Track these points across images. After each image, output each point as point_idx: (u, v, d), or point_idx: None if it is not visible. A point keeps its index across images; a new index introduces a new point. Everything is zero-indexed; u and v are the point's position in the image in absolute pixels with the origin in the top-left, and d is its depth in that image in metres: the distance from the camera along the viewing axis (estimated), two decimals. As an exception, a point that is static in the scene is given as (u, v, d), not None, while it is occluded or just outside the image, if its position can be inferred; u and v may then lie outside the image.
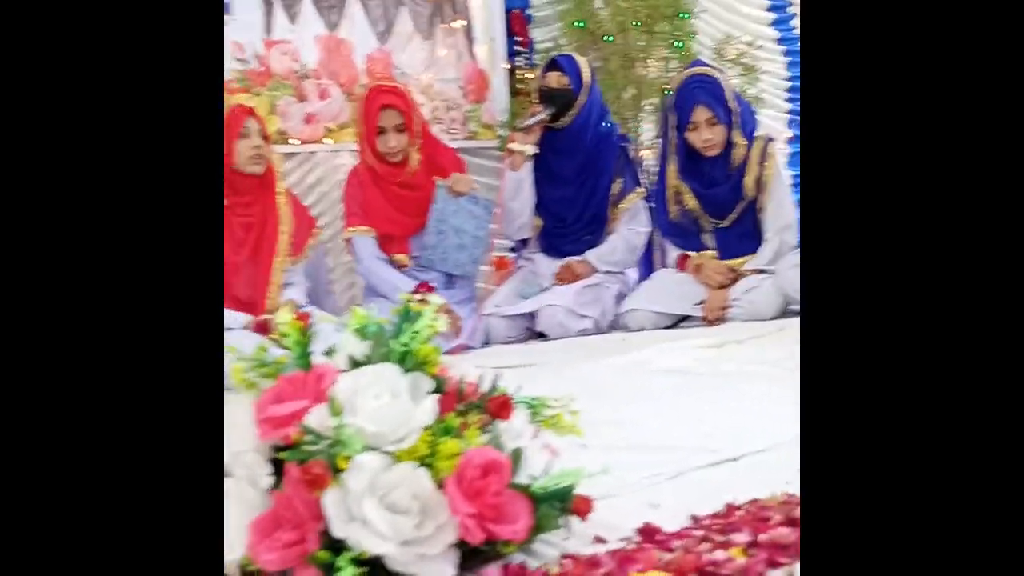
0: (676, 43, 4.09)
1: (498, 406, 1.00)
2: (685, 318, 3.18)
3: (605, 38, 4.17)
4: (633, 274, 3.52)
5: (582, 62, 3.48)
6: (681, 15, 4.10)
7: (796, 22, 5.01)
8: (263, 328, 2.91)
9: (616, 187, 3.43)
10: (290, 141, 3.87)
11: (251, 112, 3.04)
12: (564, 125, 3.40)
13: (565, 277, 3.33)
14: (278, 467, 0.97)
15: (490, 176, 4.01)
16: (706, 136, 3.09)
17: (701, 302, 3.12)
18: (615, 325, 3.28)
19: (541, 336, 3.24)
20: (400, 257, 3.33)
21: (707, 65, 3.28)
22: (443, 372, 1.04)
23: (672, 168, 3.23)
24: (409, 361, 1.01)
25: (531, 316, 3.26)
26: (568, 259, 3.39)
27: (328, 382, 0.97)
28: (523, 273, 3.51)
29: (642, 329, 3.12)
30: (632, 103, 4.25)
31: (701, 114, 3.07)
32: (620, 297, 3.36)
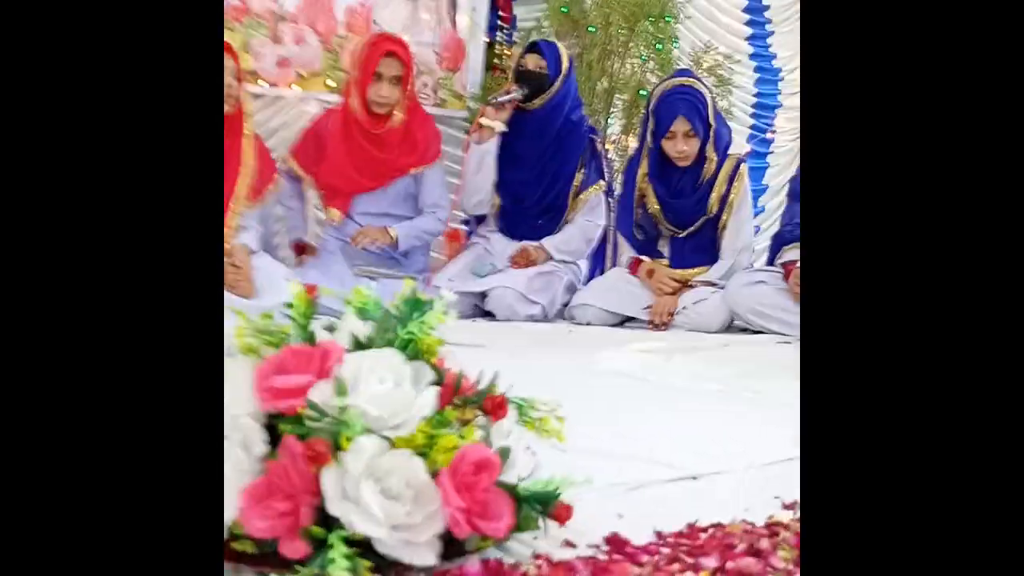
0: (656, 44, 4.14)
1: (495, 405, 1.03)
2: (630, 318, 3.25)
3: (588, 28, 4.21)
4: (584, 266, 3.58)
5: (562, 49, 3.51)
6: (666, 18, 4.15)
7: (772, 40, 5.11)
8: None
9: (579, 177, 3.48)
10: (259, 83, 3.83)
11: (227, 49, 3.00)
12: (534, 108, 3.44)
13: (519, 262, 3.38)
14: (273, 435, 0.99)
15: (454, 145, 4.02)
16: (681, 147, 3.15)
17: (649, 306, 3.20)
18: (562, 315, 3.34)
19: (488, 315, 3.28)
20: (334, 212, 3.34)
21: (694, 77, 3.34)
22: (441, 363, 1.07)
23: (642, 171, 3.29)
24: (412, 349, 1.03)
25: (481, 295, 3.30)
26: (524, 243, 3.44)
27: (333, 360, 1.00)
28: (477, 250, 3.55)
29: (589, 324, 3.19)
30: (604, 96, 4.30)
31: (680, 125, 3.13)
32: (570, 287, 3.42)
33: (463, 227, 3.99)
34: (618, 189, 3.64)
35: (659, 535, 1.10)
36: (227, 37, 3.56)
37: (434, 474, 0.95)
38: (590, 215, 3.50)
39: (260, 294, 2.83)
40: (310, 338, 1.05)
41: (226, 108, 2.96)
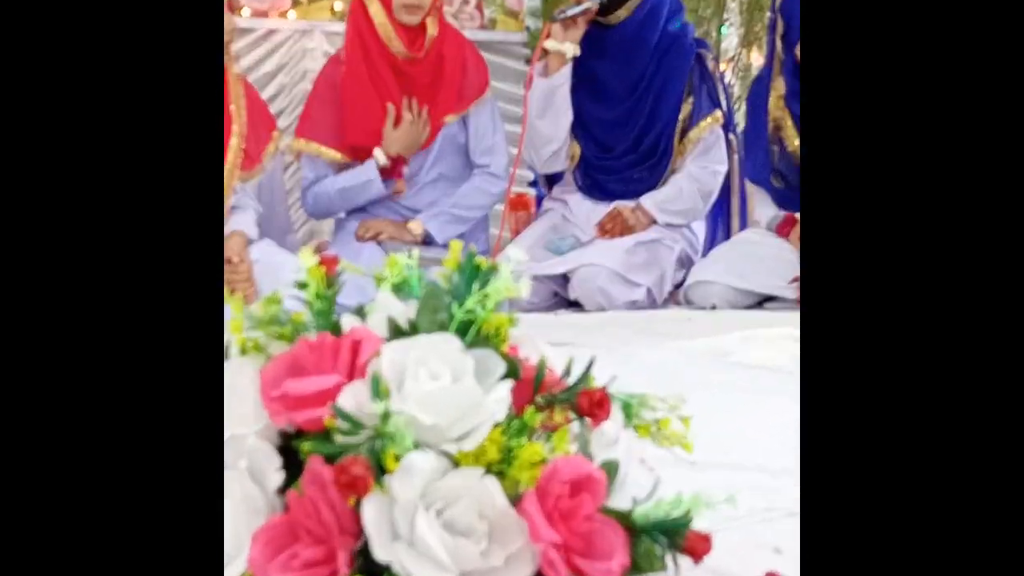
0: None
1: (593, 404, 1.02)
2: (772, 298, 3.21)
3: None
4: (702, 230, 3.55)
5: (653, -62, 3.49)
6: None
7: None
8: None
9: (686, 109, 3.45)
10: (243, 12, 3.88)
11: None
12: (619, 20, 3.42)
13: (611, 229, 3.37)
14: (291, 459, 0.99)
15: (512, 81, 4.02)
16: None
17: (797, 279, 3.16)
18: (675, 299, 3.32)
19: (573, 305, 3.28)
20: (400, 184, 3.37)
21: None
22: (515, 351, 1.06)
23: (776, 93, 3.25)
24: (474, 333, 1.03)
25: (563, 279, 3.29)
26: (616, 204, 3.42)
27: (368, 353, 0.99)
28: (551, 219, 3.54)
29: (713, 308, 3.16)
30: (713, -2, 4.27)
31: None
32: (683, 260, 3.39)
33: (530, 191, 3.99)
34: (742, 122, 3.59)
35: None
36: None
37: (516, 499, 0.94)
38: (705, 159, 3.46)
39: (264, 294, 2.86)
40: (334, 327, 1.05)
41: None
